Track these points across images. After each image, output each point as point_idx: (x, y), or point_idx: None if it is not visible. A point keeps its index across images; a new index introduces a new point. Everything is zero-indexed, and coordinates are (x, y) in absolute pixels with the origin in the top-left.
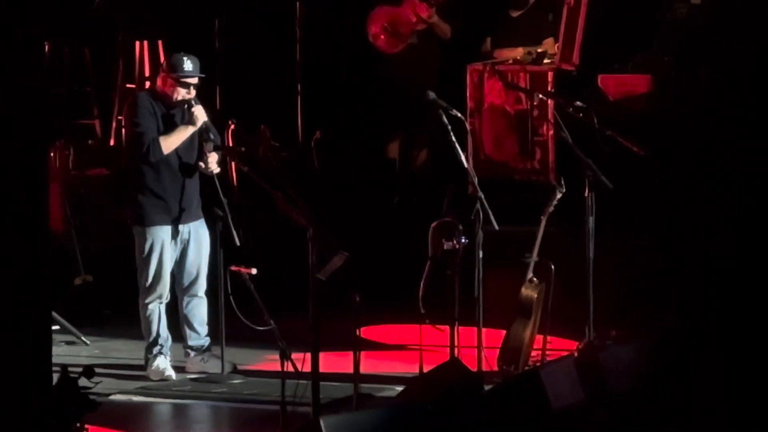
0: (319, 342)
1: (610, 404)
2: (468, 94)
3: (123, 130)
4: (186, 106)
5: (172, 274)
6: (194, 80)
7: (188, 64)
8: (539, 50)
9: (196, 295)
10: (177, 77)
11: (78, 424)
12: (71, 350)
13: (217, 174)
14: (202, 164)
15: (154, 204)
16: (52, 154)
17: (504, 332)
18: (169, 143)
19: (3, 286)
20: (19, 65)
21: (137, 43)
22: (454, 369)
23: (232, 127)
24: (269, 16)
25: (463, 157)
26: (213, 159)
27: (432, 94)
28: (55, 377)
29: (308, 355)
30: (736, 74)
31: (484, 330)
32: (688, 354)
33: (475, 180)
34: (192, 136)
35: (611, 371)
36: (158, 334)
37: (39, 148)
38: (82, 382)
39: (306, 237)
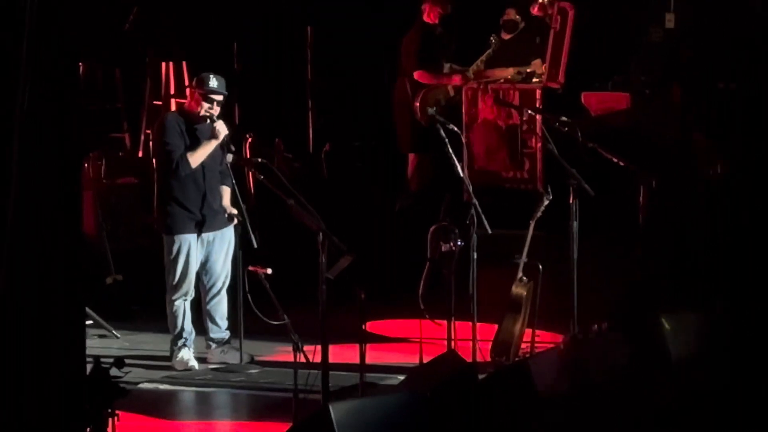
0: (328, 335)
1: (591, 393)
2: (463, 110)
3: (150, 144)
4: (209, 121)
5: (197, 274)
6: (219, 97)
7: (214, 82)
8: (528, 70)
9: (218, 293)
10: (204, 92)
11: (109, 410)
12: (103, 343)
13: (236, 183)
14: (225, 161)
15: (181, 213)
16: (86, 165)
17: (496, 326)
18: (196, 158)
19: (41, 284)
20: (57, 85)
21: (163, 64)
22: (451, 360)
23: (250, 140)
24: (283, 40)
25: (459, 168)
26: (230, 157)
27: (431, 110)
28: (89, 367)
29: (318, 347)
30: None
31: (478, 324)
32: (665, 346)
33: (470, 188)
34: (215, 148)
35: (593, 362)
36: (183, 328)
37: (74, 159)
38: (113, 371)
39: (316, 240)
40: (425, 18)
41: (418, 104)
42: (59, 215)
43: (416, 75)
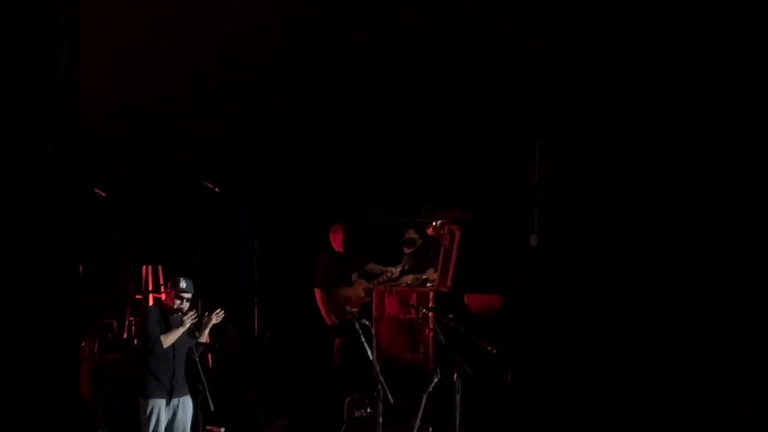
0: None
1: None
2: (374, 307)
3: (133, 329)
4: (180, 313)
5: (166, 430)
6: (188, 295)
7: (183, 284)
8: (423, 277)
9: None
10: (176, 292)
11: None
12: None
13: (199, 360)
14: (197, 338)
15: (154, 382)
16: (83, 344)
17: None
18: (168, 340)
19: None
20: (60, 286)
21: (144, 267)
22: None
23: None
24: (236, 251)
25: (369, 351)
26: (206, 334)
27: (348, 308)
28: None
29: None
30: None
31: None
32: None
33: (378, 367)
34: (183, 334)
35: None
36: None
37: (72, 341)
38: None
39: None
40: (332, 243)
41: (324, 311)
42: (62, 385)
43: (316, 292)
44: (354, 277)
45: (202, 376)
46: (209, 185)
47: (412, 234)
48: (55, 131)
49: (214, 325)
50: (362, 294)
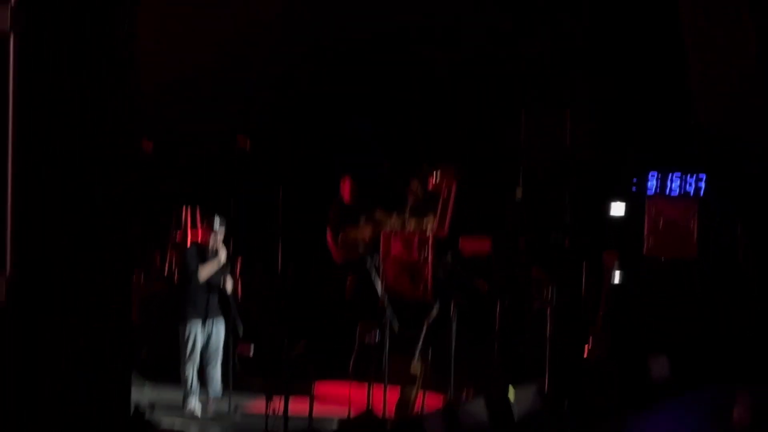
0: (289, 394)
1: None
2: (381, 249)
3: (174, 264)
4: (214, 248)
5: (201, 349)
6: (221, 234)
7: (217, 222)
8: (425, 223)
9: (215, 362)
10: (211, 231)
11: None
12: (137, 391)
13: (231, 290)
14: (225, 284)
15: (192, 308)
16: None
17: (399, 391)
18: (204, 273)
19: (111, 361)
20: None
21: (183, 209)
22: (369, 417)
23: (239, 262)
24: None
25: (378, 285)
26: (229, 282)
27: (361, 248)
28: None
29: (282, 402)
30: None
31: (388, 389)
32: (511, 407)
33: (385, 299)
34: (217, 267)
35: (463, 418)
36: (191, 386)
37: (128, 274)
38: (147, 414)
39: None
40: (342, 192)
41: (334, 250)
42: (121, 311)
43: (328, 235)
44: (361, 221)
45: (233, 304)
46: (242, 141)
47: (415, 186)
48: (117, 90)
49: (244, 259)
50: (369, 236)
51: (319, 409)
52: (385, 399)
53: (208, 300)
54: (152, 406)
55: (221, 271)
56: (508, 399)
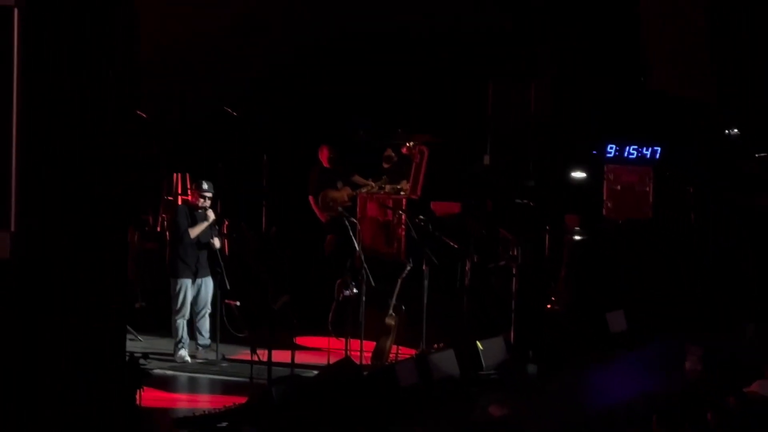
0: (272, 345)
1: (433, 386)
2: (357, 209)
3: (165, 223)
4: (203, 209)
5: (191, 303)
6: (209, 194)
7: (205, 186)
8: (398, 187)
9: (204, 315)
10: (200, 193)
11: (138, 386)
12: (132, 343)
13: (219, 248)
14: (213, 243)
15: (182, 265)
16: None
17: (375, 343)
18: (194, 232)
19: (104, 310)
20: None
21: (174, 174)
22: (347, 363)
23: (226, 222)
24: (245, 167)
25: (356, 244)
26: (217, 241)
27: (340, 209)
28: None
29: (266, 352)
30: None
31: (364, 342)
32: (479, 358)
33: (362, 257)
34: (206, 226)
35: (434, 368)
36: (181, 336)
37: (124, 230)
38: (141, 362)
39: (267, 284)
40: (321, 158)
41: (318, 211)
42: (114, 265)
43: (310, 198)
44: (339, 184)
45: (221, 261)
46: (229, 110)
47: (390, 152)
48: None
49: (231, 220)
50: (346, 198)
51: (300, 359)
52: (361, 349)
53: (198, 257)
54: (146, 354)
55: (210, 231)
56: (476, 348)
